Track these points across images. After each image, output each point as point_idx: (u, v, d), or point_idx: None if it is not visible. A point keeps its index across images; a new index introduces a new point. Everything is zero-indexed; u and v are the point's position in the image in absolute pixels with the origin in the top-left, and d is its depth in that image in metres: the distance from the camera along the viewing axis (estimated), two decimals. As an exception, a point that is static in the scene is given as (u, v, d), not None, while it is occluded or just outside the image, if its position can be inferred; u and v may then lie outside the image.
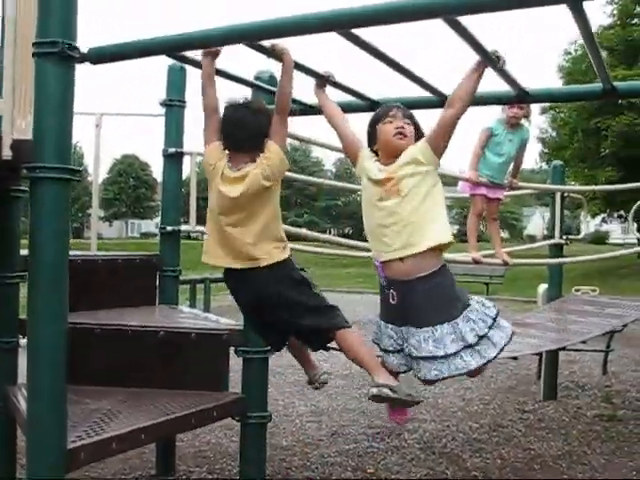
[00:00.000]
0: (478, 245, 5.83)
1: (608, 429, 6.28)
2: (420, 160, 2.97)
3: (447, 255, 7.26)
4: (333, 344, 3.39)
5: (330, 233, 63.22)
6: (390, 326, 3.19)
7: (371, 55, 2.88)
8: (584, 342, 6.18)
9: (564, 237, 7.47)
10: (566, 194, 7.61)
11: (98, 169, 5.66)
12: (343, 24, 2.44)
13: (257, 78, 3.85)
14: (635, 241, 25.39)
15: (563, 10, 2.22)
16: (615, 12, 26.32)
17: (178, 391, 3.71)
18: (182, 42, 2.78)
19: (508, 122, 5.47)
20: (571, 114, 27.01)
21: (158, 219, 5.25)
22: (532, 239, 59.45)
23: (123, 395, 3.59)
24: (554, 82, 29.04)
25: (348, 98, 3.69)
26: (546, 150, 31.87)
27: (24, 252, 3.70)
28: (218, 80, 3.30)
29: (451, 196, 7.37)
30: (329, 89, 3.46)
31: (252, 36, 2.66)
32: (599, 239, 51.35)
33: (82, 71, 2.82)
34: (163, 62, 3.76)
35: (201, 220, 4.16)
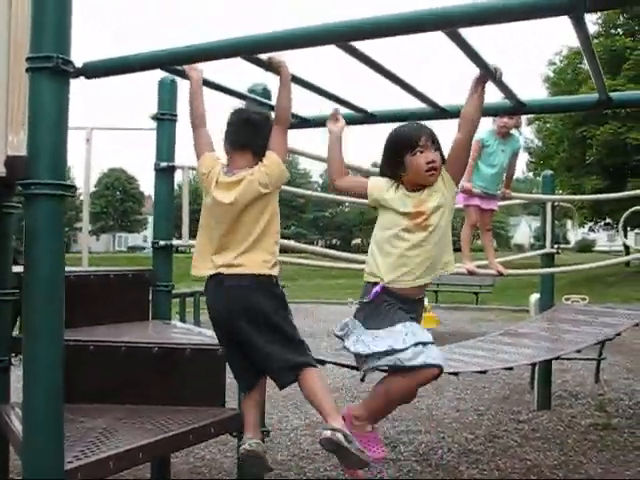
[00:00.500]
0: (471, 255, 5.82)
1: (603, 438, 6.28)
2: (443, 190, 2.98)
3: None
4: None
5: (318, 244, 63.27)
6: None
7: (367, 66, 2.87)
8: (579, 351, 6.18)
9: (555, 246, 7.48)
10: (556, 203, 7.62)
11: (89, 183, 5.62)
12: (342, 37, 2.43)
13: (251, 91, 3.84)
14: (621, 249, 25.54)
15: (548, 22, 2.22)
16: (600, 21, 26.57)
17: (174, 407, 3.66)
18: (179, 56, 2.76)
19: (499, 132, 5.49)
20: (557, 124, 27.21)
21: (146, 232, 5.23)
22: (519, 248, 59.76)
23: (119, 412, 3.54)
24: (539, 92, 29.28)
25: (342, 110, 3.67)
26: (532, 160, 32.08)
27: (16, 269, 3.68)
28: (211, 93, 3.30)
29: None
30: (324, 100, 3.45)
31: (249, 49, 2.64)
32: (586, 247, 51.63)
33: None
34: (152, 76, 3.74)
35: (193, 234, 4.13)
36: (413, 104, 3.42)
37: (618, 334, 6.50)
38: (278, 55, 3.02)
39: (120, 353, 3.78)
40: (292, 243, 5.08)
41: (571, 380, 9.05)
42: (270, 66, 3.03)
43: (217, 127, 3.23)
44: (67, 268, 2.86)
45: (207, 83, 3.25)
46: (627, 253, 19.85)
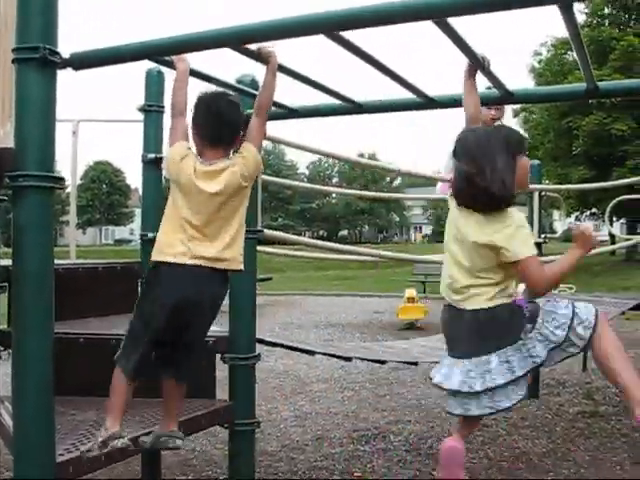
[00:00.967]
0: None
1: (591, 425, 6.32)
2: None
3: (425, 256, 7.27)
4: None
5: (305, 236, 63.27)
6: None
7: (356, 56, 2.86)
8: (566, 340, 6.21)
9: (542, 236, 7.51)
10: (543, 193, 7.66)
11: (76, 176, 5.59)
12: (331, 27, 2.42)
13: (239, 81, 3.83)
14: (607, 238, 25.74)
15: (534, 11, 2.22)
16: (587, 10, 26.66)
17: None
18: (167, 46, 2.75)
19: (487, 123, 5.50)
20: (543, 115, 27.31)
21: (132, 225, 5.21)
22: (506, 238, 59.95)
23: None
24: (525, 83, 29.34)
25: (331, 100, 3.67)
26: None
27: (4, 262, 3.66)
28: (198, 84, 3.28)
29: (428, 197, 7.38)
30: (312, 90, 3.44)
31: (238, 39, 2.63)
32: (572, 237, 51.76)
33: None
34: (139, 67, 3.72)
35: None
36: (402, 94, 3.42)
37: (605, 322, 6.54)
38: (268, 45, 2.97)
39: (110, 345, 3.74)
40: (280, 234, 5.07)
41: (559, 369, 9.08)
42: (259, 56, 2.99)
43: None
44: (55, 261, 2.85)
45: (194, 73, 3.23)
46: (612, 242, 19.97)
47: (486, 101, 3.94)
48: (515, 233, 2.82)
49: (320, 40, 2.57)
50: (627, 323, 12.71)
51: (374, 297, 20.65)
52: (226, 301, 3.32)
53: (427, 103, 3.46)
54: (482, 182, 2.81)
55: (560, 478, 5.00)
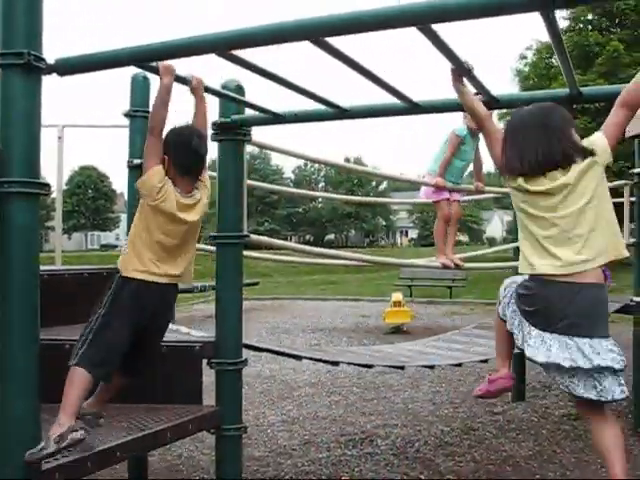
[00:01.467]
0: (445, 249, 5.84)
1: (576, 427, 6.36)
2: None
3: (414, 260, 7.26)
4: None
5: (291, 240, 63.24)
6: None
7: (340, 62, 2.86)
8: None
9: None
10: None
11: (62, 182, 5.57)
12: (315, 33, 2.43)
13: (224, 87, 3.83)
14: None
15: (519, 16, 2.25)
16: (571, 16, 26.85)
17: (152, 405, 3.66)
18: (152, 52, 2.75)
19: (473, 128, 5.53)
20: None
21: (118, 231, 5.20)
22: (492, 241, 60.25)
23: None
24: (510, 87, 29.49)
25: (315, 106, 3.68)
26: (504, 154, 32.30)
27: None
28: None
29: (413, 201, 7.40)
30: (296, 96, 3.45)
31: (224, 46, 2.63)
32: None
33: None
34: (122, 73, 3.71)
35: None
36: (387, 99, 3.44)
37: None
38: (198, 77, 3.32)
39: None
40: (266, 239, 5.07)
41: (544, 371, 9.14)
42: (189, 84, 3.32)
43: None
44: (41, 267, 2.84)
45: (179, 79, 3.24)
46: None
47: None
48: None
49: (305, 46, 2.58)
50: (612, 326, 12.74)
51: (361, 301, 20.66)
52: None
53: (412, 108, 3.47)
54: None
55: (546, 480, 5.03)
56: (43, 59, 2.68)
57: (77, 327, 4.21)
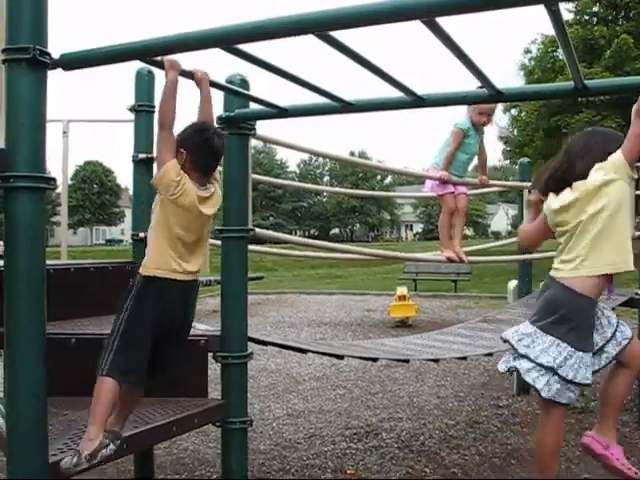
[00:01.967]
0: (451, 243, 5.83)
1: (581, 421, 6.36)
2: None
3: (418, 254, 7.26)
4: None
5: (296, 235, 63.27)
6: None
7: (345, 56, 2.86)
8: (557, 336, 6.26)
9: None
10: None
11: (67, 177, 5.58)
12: (320, 27, 2.42)
13: (229, 81, 3.83)
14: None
15: (524, 10, 2.24)
16: (576, 9, 26.74)
17: (158, 399, 3.67)
18: (156, 47, 2.75)
19: (477, 123, 5.53)
20: (532, 114, 27.35)
21: (123, 225, 5.21)
22: (497, 235, 60.17)
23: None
24: (515, 80, 29.44)
25: (322, 100, 3.68)
26: (509, 148, 32.25)
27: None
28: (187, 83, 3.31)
29: (418, 195, 7.38)
30: (301, 90, 3.45)
31: (227, 40, 2.63)
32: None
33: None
34: (127, 67, 3.71)
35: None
36: (392, 93, 3.43)
37: (595, 318, 6.58)
38: (202, 70, 3.29)
39: (102, 345, 3.77)
40: (271, 233, 5.08)
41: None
42: (193, 78, 3.28)
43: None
44: (48, 262, 2.85)
45: (184, 73, 3.24)
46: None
47: (476, 100, 3.97)
48: None
49: (310, 40, 2.58)
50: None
51: (366, 295, 20.67)
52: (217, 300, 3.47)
53: (416, 102, 3.46)
54: None
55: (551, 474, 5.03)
56: (48, 54, 2.68)
57: (84, 321, 4.27)
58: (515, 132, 31.20)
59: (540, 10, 2.28)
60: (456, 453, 5.49)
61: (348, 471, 5.11)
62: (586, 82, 3.22)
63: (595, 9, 27.07)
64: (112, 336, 3.03)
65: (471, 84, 3.52)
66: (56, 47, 2.74)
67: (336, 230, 75.87)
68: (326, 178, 78.37)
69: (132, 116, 4.92)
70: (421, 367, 8.73)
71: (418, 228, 78.23)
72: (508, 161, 35.44)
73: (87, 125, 6.45)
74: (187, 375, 3.93)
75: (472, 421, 6.43)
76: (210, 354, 4.02)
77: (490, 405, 7.05)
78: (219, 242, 4.10)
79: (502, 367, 3.51)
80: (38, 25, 2.67)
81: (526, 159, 8.20)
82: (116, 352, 2.98)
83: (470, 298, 19.02)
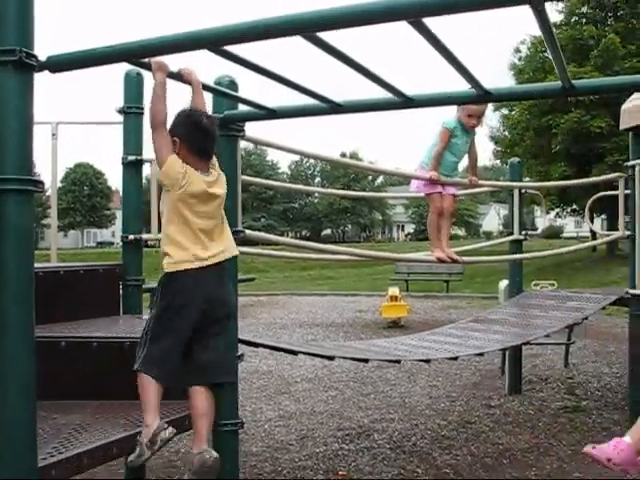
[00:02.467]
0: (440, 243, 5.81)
1: (572, 420, 6.39)
2: None
3: (409, 255, 7.26)
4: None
5: (287, 236, 63.22)
6: None
7: (333, 57, 2.85)
8: (547, 336, 6.29)
9: (523, 233, 7.56)
10: (524, 190, 7.70)
11: (56, 179, 5.56)
12: (307, 28, 2.41)
13: (218, 83, 3.82)
14: (589, 234, 25.87)
15: (513, 11, 2.24)
16: (564, 10, 26.89)
17: (148, 402, 3.64)
18: (144, 49, 2.73)
19: (466, 125, 5.49)
20: (522, 112, 27.44)
21: (114, 228, 5.19)
22: (488, 235, 60.31)
23: (92, 408, 3.53)
24: (506, 80, 29.52)
25: (311, 101, 3.67)
26: (499, 148, 32.34)
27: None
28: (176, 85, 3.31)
29: (409, 195, 7.37)
30: (291, 91, 3.44)
31: (214, 41, 2.62)
32: (554, 233, 52.23)
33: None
34: (116, 69, 3.70)
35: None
36: (381, 94, 3.43)
37: (585, 318, 6.62)
38: (187, 67, 3.28)
39: (92, 348, 3.76)
40: (261, 235, 5.06)
41: (541, 365, 9.19)
42: (181, 78, 3.26)
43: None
44: (37, 264, 2.84)
45: (172, 75, 3.23)
46: (594, 238, 20.07)
47: (465, 100, 3.97)
48: None
49: (300, 41, 2.58)
50: (608, 318, 12.82)
51: (357, 296, 20.69)
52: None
53: (405, 103, 3.46)
54: None
55: (543, 473, 5.05)
56: (35, 56, 2.66)
57: (74, 324, 4.25)
58: (506, 132, 31.29)
59: (529, 10, 2.29)
60: (448, 453, 5.50)
61: (340, 472, 5.11)
62: (573, 82, 3.23)
63: (584, 10, 27.19)
64: (143, 331, 3.18)
65: (464, 85, 3.52)
66: (44, 49, 2.72)
67: (328, 231, 75.85)
68: (317, 179, 78.34)
69: (121, 118, 4.91)
70: (413, 368, 8.74)
71: (410, 228, 78.25)
72: (499, 161, 35.47)
73: (77, 127, 6.43)
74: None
75: (464, 421, 6.44)
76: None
77: (482, 405, 7.06)
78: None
79: None
80: (24, 27, 2.64)
81: (516, 159, 8.20)
82: (144, 348, 3.15)
83: (462, 298, 19.06)
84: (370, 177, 70.40)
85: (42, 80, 2.78)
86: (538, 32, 2.63)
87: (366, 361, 5.32)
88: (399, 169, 8.52)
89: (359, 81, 3.16)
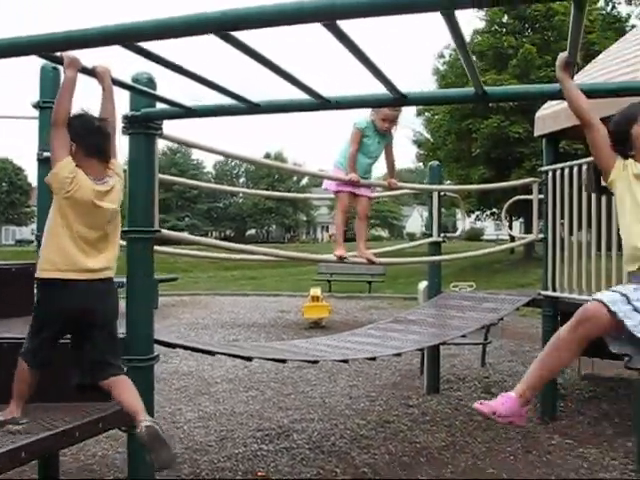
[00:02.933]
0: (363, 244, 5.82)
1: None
2: None
3: (327, 255, 7.29)
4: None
5: (212, 235, 62.75)
6: None
7: (249, 57, 2.84)
8: (464, 336, 6.43)
9: (442, 235, 7.69)
10: (443, 193, 7.84)
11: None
12: (219, 27, 2.39)
13: (135, 80, 3.77)
14: (507, 237, 26.55)
15: (435, 15, 2.28)
16: (486, 18, 27.57)
17: (62, 404, 3.57)
18: (57, 42, 2.65)
19: (380, 128, 5.51)
20: (445, 116, 27.96)
21: (34, 225, 5.05)
22: (412, 237, 61.18)
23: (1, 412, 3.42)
24: (429, 85, 30.02)
25: (229, 101, 3.65)
26: (422, 151, 32.85)
27: None
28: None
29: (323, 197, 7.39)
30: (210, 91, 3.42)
31: (131, 37, 2.57)
32: (474, 236, 53.33)
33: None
34: (34, 62, 3.60)
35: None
36: (299, 95, 3.44)
37: (501, 319, 6.80)
38: (103, 65, 3.31)
39: (3, 349, 3.66)
40: (177, 234, 5.01)
41: (459, 364, 9.37)
42: (95, 75, 3.29)
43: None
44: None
45: (84, 70, 3.17)
46: (512, 241, 20.56)
47: (381, 103, 4.02)
48: None
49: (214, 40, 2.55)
50: (524, 319, 13.19)
51: (280, 296, 20.70)
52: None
53: (323, 104, 3.49)
54: None
55: (458, 470, 5.16)
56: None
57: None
58: (429, 135, 31.81)
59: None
60: (366, 453, 5.55)
61: (259, 473, 5.10)
62: (486, 89, 3.31)
63: (505, 19, 27.92)
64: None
65: (377, 88, 3.55)
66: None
67: (252, 231, 75.52)
68: (242, 179, 77.95)
69: (37, 113, 4.78)
70: (333, 368, 8.79)
71: (334, 229, 78.60)
72: (422, 164, 36.04)
73: (-8, 122, 6.24)
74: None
75: (383, 420, 6.52)
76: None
77: (401, 404, 7.16)
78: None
79: None
80: None
81: (436, 162, 8.35)
82: (29, 340, 3.26)
83: (384, 299, 19.29)
84: (295, 178, 70.48)
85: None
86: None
87: (284, 361, 5.33)
88: (324, 171, 8.54)
89: (274, 81, 3.16)
